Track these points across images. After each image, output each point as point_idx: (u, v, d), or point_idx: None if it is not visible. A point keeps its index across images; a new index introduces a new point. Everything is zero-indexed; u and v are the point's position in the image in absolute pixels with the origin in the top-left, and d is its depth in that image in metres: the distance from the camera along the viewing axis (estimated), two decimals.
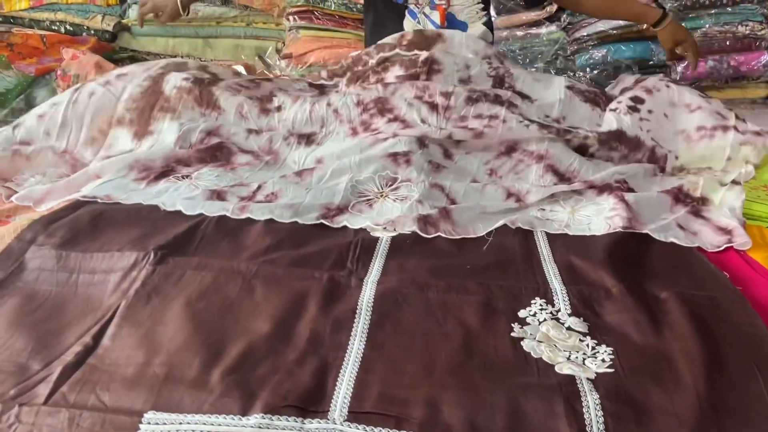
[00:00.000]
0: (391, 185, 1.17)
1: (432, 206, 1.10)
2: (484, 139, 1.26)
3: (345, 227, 1.07)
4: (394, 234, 1.04)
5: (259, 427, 0.65)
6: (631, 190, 1.17)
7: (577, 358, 0.76)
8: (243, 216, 1.08)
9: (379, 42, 1.50)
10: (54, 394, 0.70)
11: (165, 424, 0.66)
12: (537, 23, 2.11)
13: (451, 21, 1.55)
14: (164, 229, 1.03)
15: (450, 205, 1.12)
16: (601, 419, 0.66)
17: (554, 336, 0.80)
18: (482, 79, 1.39)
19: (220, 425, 0.66)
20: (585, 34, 2.00)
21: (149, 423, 0.66)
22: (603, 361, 0.75)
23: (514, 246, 1.02)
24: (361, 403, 0.68)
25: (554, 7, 2.01)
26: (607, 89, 1.59)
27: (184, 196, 1.15)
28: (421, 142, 1.25)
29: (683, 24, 2.01)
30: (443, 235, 1.04)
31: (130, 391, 0.70)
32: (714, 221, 1.09)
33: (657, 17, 1.48)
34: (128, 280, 0.90)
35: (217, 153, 1.30)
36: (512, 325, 0.82)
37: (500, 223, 1.07)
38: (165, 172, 1.24)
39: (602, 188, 1.17)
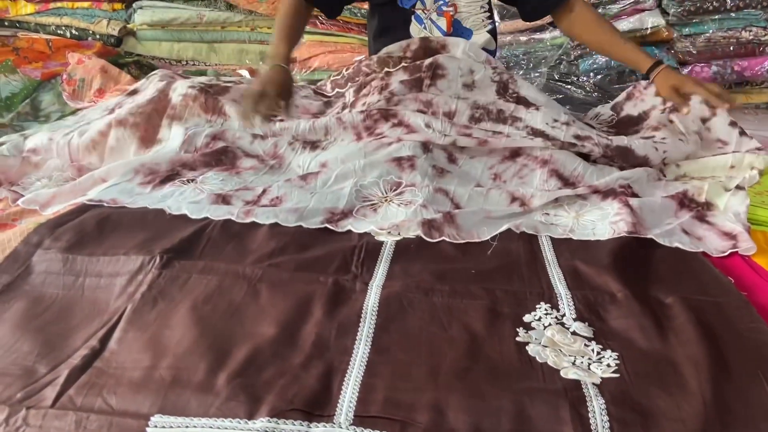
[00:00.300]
0: (395, 190, 1.17)
1: (436, 210, 1.10)
2: (488, 145, 1.27)
3: (349, 231, 1.07)
4: (398, 238, 1.05)
5: (265, 431, 0.65)
6: (635, 195, 1.16)
7: (582, 362, 0.76)
8: (248, 220, 1.09)
9: (382, 53, 1.50)
10: (61, 397, 0.71)
11: (171, 427, 0.66)
12: (540, 28, 2.12)
13: (457, 28, 1.56)
14: (170, 233, 1.04)
15: (454, 210, 1.12)
16: (607, 424, 0.66)
17: (559, 341, 0.80)
18: (486, 85, 1.39)
19: (226, 429, 0.66)
20: None
21: (156, 426, 0.66)
22: (608, 365, 0.75)
23: (519, 250, 1.02)
24: (366, 408, 0.68)
25: None
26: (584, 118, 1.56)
27: (190, 200, 1.15)
28: (426, 146, 1.26)
29: (686, 30, 2.02)
30: (447, 240, 1.04)
31: (137, 394, 0.71)
32: (719, 226, 1.09)
33: (649, 65, 1.43)
34: (134, 284, 0.90)
35: (222, 157, 1.31)
36: (517, 329, 0.82)
37: (504, 227, 1.07)
38: (170, 176, 1.25)
39: (606, 193, 1.17)
